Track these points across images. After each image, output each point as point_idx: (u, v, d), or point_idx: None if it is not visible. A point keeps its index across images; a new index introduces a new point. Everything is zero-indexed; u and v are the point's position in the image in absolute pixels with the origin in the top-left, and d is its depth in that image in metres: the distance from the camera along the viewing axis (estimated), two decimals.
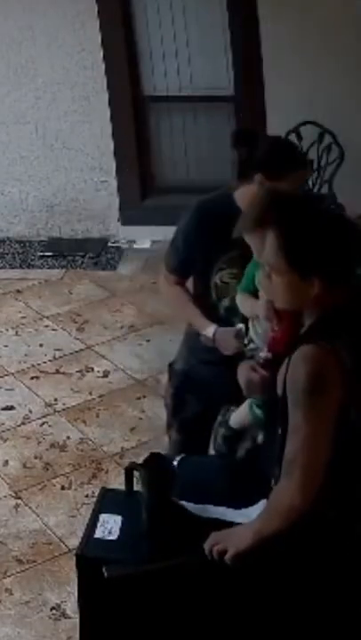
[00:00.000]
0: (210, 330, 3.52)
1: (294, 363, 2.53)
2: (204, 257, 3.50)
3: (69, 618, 3.77)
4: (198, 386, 3.69)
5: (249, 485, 2.80)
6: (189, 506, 2.87)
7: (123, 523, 2.88)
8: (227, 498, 2.82)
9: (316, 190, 6.29)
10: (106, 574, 2.71)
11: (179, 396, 3.78)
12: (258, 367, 3.06)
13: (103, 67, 6.83)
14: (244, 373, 3.14)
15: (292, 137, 6.30)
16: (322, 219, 2.64)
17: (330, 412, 2.50)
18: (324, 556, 2.64)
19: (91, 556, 2.83)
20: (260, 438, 3.18)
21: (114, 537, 2.84)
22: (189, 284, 3.68)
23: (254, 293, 3.16)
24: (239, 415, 3.36)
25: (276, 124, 6.40)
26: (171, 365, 3.85)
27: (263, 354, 3.04)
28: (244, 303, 3.28)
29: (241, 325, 3.39)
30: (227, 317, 3.50)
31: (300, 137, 6.31)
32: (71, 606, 3.78)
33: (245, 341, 3.32)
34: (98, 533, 2.86)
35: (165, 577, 2.74)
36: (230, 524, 2.74)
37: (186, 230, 3.55)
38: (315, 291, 2.54)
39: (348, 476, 2.62)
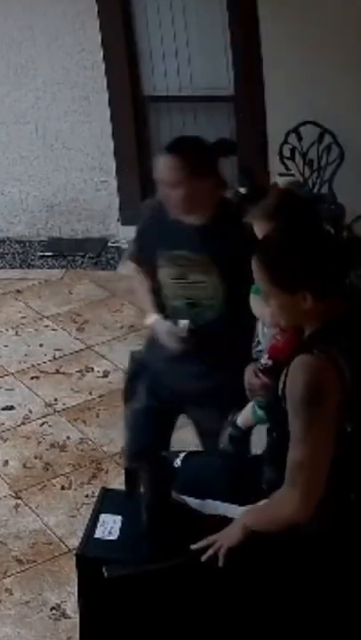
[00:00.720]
0: (151, 319, 3.60)
1: (292, 372, 2.55)
2: (150, 253, 3.58)
3: (69, 618, 3.77)
4: (149, 377, 3.70)
5: (250, 486, 2.81)
6: (190, 501, 2.87)
7: (123, 523, 2.88)
8: (227, 498, 2.82)
9: (316, 190, 6.29)
10: (106, 574, 2.71)
11: (131, 382, 3.81)
12: (259, 373, 3.10)
13: (103, 67, 6.82)
14: (247, 376, 3.18)
15: (292, 137, 6.32)
16: (300, 233, 2.67)
17: (329, 421, 2.51)
18: (320, 566, 2.65)
19: (91, 556, 2.83)
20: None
21: (114, 537, 2.84)
22: None
23: None
24: (244, 415, 3.39)
25: (277, 124, 6.42)
26: (132, 353, 3.90)
27: (264, 361, 3.07)
28: (255, 305, 3.31)
29: (185, 322, 3.45)
30: (173, 318, 3.54)
31: (300, 137, 6.31)
32: (71, 606, 3.78)
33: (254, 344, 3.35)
34: (98, 533, 2.86)
35: (165, 577, 2.74)
36: (231, 520, 2.74)
37: (138, 226, 3.69)
38: (308, 304, 2.56)
39: (344, 487, 2.62)
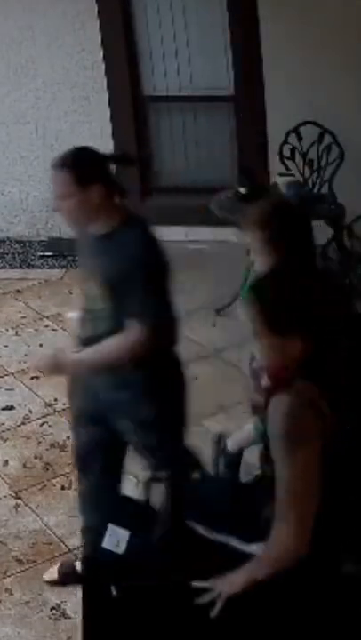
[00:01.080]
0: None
1: (272, 414, 2.57)
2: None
3: (69, 618, 3.77)
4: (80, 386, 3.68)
5: (252, 513, 2.79)
6: (200, 529, 2.84)
7: (131, 537, 2.84)
8: (230, 524, 2.80)
9: (316, 190, 6.30)
10: (114, 593, 2.70)
11: (70, 389, 3.79)
12: (260, 392, 3.10)
13: (103, 67, 6.83)
14: (250, 394, 3.20)
15: (292, 137, 6.32)
16: (293, 280, 2.69)
17: (313, 458, 2.52)
18: (312, 595, 2.65)
19: (98, 563, 2.82)
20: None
21: (121, 551, 2.81)
22: None
23: None
24: (234, 439, 3.42)
25: (277, 124, 6.42)
26: None
27: (264, 382, 3.06)
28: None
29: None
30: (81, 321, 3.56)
31: (300, 137, 6.32)
32: (71, 606, 3.78)
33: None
34: (105, 543, 2.83)
35: (172, 592, 2.72)
36: (236, 552, 2.73)
37: None
38: (298, 348, 2.57)
39: (333, 515, 2.62)
